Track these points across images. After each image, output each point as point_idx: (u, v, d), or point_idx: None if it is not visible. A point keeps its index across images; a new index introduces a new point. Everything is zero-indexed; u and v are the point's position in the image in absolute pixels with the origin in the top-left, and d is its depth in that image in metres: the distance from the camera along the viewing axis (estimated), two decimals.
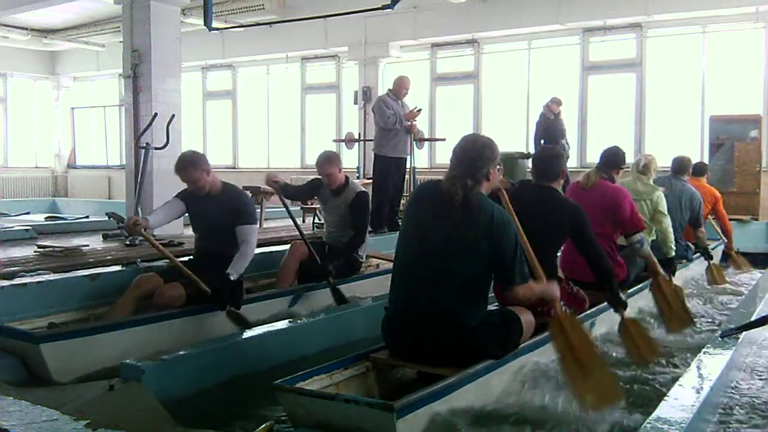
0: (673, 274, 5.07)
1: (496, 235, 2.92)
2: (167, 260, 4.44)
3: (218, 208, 4.33)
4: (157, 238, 6.18)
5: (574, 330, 3.27)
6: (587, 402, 2.96)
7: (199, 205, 4.42)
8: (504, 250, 2.95)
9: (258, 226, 4.32)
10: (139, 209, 5.83)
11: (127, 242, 6.18)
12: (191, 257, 4.59)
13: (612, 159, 4.91)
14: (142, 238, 4.18)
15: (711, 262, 6.06)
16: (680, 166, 6.34)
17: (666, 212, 5.30)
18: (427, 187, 3.25)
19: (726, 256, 7.29)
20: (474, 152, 3.04)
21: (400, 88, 7.72)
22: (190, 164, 4.35)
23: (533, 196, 3.84)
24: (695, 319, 4.68)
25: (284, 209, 5.45)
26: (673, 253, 5.28)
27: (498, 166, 3.14)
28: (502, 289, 3.16)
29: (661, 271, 4.73)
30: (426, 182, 3.37)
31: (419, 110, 7.87)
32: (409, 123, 7.68)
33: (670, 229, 5.28)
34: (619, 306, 3.82)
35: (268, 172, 5.14)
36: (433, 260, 2.94)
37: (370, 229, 7.63)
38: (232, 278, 4.14)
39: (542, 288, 3.23)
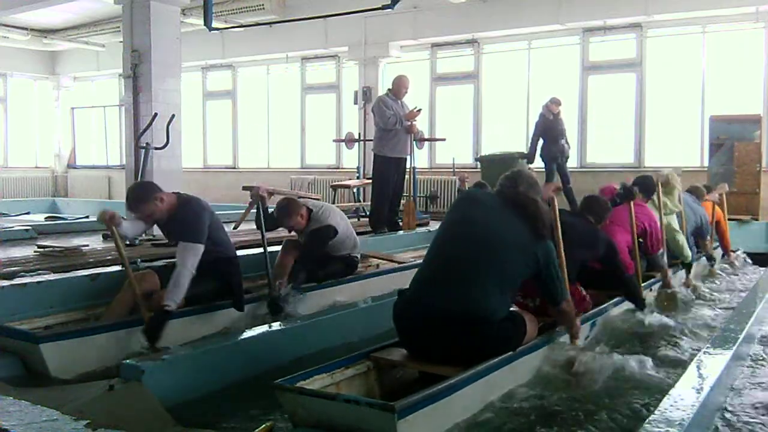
0: (689, 272, 5.89)
1: (544, 248, 3.19)
2: (165, 259, 4.42)
3: (173, 224, 4.24)
4: (155, 240, 6.21)
5: None
6: None
7: (161, 224, 4.35)
8: (550, 266, 3.21)
9: (201, 245, 4.07)
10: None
11: (127, 242, 6.17)
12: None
13: (648, 186, 5.52)
14: (110, 232, 4.02)
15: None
16: (694, 191, 6.92)
17: (678, 229, 5.87)
18: (480, 191, 3.61)
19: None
20: (529, 181, 3.43)
21: (399, 87, 7.71)
22: (140, 200, 4.17)
23: (574, 223, 4.19)
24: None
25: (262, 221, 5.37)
26: (690, 261, 5.93)
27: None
28: (549, 304, 3.42)
29: (671, 280, 5.36)
30: (475, 190, 3.69)
31: (419, 110, 7.86)
32: (409, 123, 7.68)
33: (684, 244, 5.87)
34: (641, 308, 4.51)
35: (260, 185, 5.03)
36: (478, 248, 3.05)
37: (369, 228, 7.68)
38: (168, 309, 3.84)
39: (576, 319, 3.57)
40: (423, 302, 3.03)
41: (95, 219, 7.16)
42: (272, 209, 5.17)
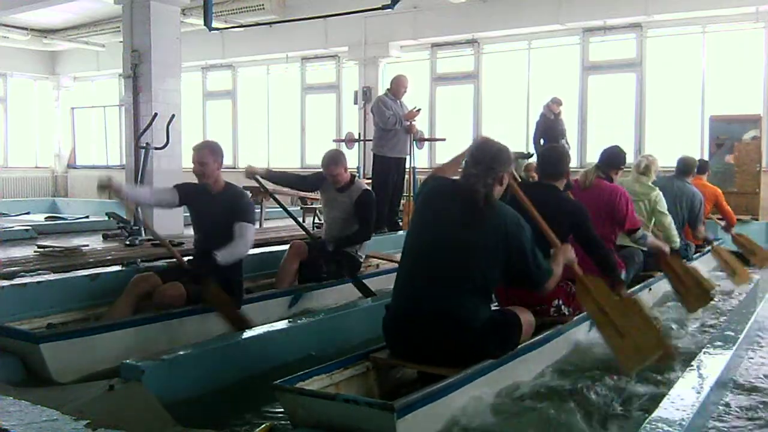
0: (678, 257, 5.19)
1: (511, 242, 2.95)
2: (166, 259, 4.44)
3: (220, 206, 4.30)
4: (154, 241, 6.19)
5: (599, 290, 3.31)
6: (627, 365, 3.06)
7: (200, 203, 4.40)
8: (523, 258, 2.98)
9: (257, 227, 4.28)
10: (138, 209, 5.83)
11: (127, 242, 6.18)
12: (191, 258, 4.57)
13: (611, 159, 4.93)
14: (117, 199, 4.14)
15: (714, 245, 6.08)
16: (684, 167, 6.39)
17: (665, 211, 5.37)
18: (439, 184, 3.20)
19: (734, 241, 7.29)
20: (492, 153, 3.04)
21: (398, 87, 7.71)
22: (208, 147, 4.38)
23: (536, 194, 3.81)
24: (712, 294, 4.68)
25: (282, 209, 5.49)
26: (677, 245, 5.35)
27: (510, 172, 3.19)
28: (531, 290, 3.22)
29: (667, 250, 4.81)
30: (436, 178, 3.29)
31: (418, 110, 7.86)
32: (409, 123, 7.67)
33: (673, 226, 5.37)
34: (618, 284, 3.82)
35: (246, 167, 5.15)
36: (443, 257, 2.94)
37: None
38: (217, 260, 4.07)
39: (560, 263, 3.27)
40: (405, 311, 3.00)
41: (95, 219, 7.13)
42: (271, 207, 5.21)
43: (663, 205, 5.37)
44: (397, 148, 7.65)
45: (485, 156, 3.02)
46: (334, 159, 5.17)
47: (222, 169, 4.39)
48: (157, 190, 4.46)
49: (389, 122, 7.47)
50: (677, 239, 5.42)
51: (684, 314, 4.80)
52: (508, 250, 2.95)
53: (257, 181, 5.20)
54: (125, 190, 4.28)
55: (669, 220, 5.38)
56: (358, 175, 11.11)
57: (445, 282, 2.92)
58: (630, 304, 3.46)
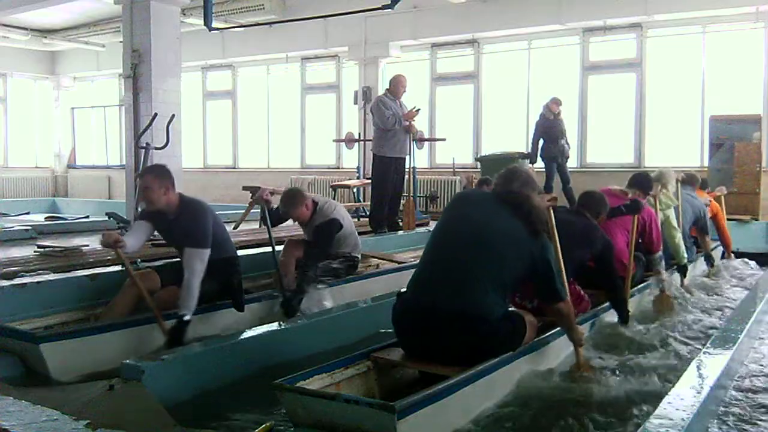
0: (685, 276, 5.73)
1: (540, 249, 3.14)
2: (166, 259, 4.41)
3: (175, 227, 4.20)
4: (155, 240, 6.18)
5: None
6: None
7: (161, 225, 4.30)
8: (547, 262, 3.16)
9: (207, 250, 4.09)
10: (139, 209, 5.82)
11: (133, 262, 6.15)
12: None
13: (646, 183, 5.38)
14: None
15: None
16: (689, 178, 6.71)
17: (677, 227, 5.72)
18: (475, 191, 3.59)
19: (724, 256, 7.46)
20: (523, 178, 3.35)
21: (397, 87, 7.70)
22: (152, 172, 4.22)
23: (573, 220, 4.15)
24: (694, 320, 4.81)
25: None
26: (685, 262, 5.74)
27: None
28: (546, 302, 3.36)
29: (667, 288, 5.21)
30: (472, 190, 3.58)
31: (418, 110, 7.86)
32: (408, 123, 7.67)
33: (681, 243, 5.71)
34: (623, 321, 4.29)
35: (263, 188, 5.03)
36: (473, 248, 3.04)
37: (369, 228, 7.68)
38: (185, 318, 3.88)
39: (575, 324, 3.49)
40: (420, 303, 3.03)
41: (95, 219, 7.10)
42: (276, 206, 5.17)
43: (674, 221, 5.73)
44: (396, 148, 7.65)
45: (518, 177, 3.33)
46: (290, 203, 5.03)
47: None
48: (139, 233, 4.27)
49: (389, 122, 7.47)
50: (685, 255, 5.74)
51: (684, 314, 4.84)
52: (534, 256, 3.11)
53: (265, 201, 5.04)
54: (128, 247, 4.09)
55: (679, 236, 5.70)
56: (358, 175, 11.11)
57: (473, 279, 2.98)
58: None
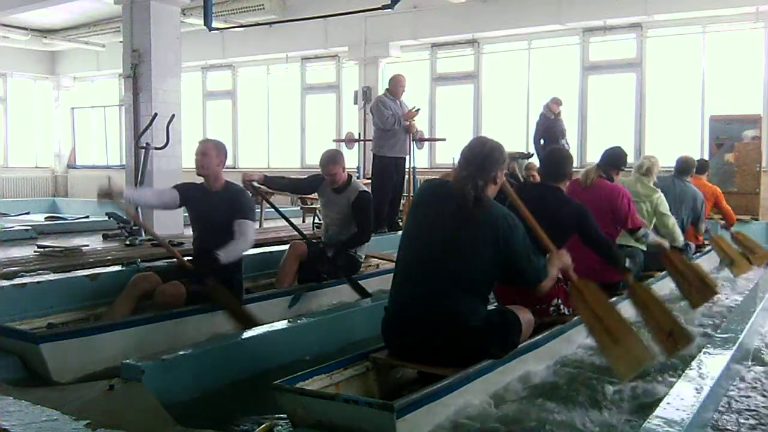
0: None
1: (503, 242, 2.93)
2: (166, 259, 4.43)
3: (219, 205, 4.30)
4: (154, 241, 6.20)
5: (593, 295, 3.28)
6: (621, 371, 3.03)
7: (200, 203, 4.39)
8: (516, 257, 2.98)
9: (257, 225, 4.28)
10: (139, 209, 5.83)
11: (127, 242, 6.18)
12: (190, 257, 4.57)
13: (613, 159, 4.98)
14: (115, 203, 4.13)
15: (712, 234, 6.07)
16: (683, 166, 6.40)
17: (668, 212, 5.40)
18: (433, 186, 3.21)
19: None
20: (484, 154, 3.03)
21: (396, 86, 7.70)
22: (212, 142, 4.42)
23: (538, 195, 3.85)
24: (717, 289, 4.72)
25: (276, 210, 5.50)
26: (680, 245, 5.39)
27: (505, 170, 3.17)
28: (527, 288, 3.19)
29: (667, 245, 4.84)
30: (431, 181, 3.32)
31: (417, 110, 7.85)
32: (408, 123, 7.67)
33: (677, 227, 5.41)
34: (626, 273, 4.01)
35: (243, 172, 5.13)
36: (438, 259, 2.94)
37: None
38: (220, 260, 4.09)
39: (556, 266, 3.25)
40: (403, 316, 3.00)
41: (95, 219, 7.10)
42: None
43: (665, 207, 5.40)
44: (396, 148, 7.65)
45: (477, 156, 3.02)
46: (332, 158, 5.17)
47: (223, 170, 4.39)
48: (160, 191, 4.45)
49: (388, 122, 7.47)
50: (681, 239, 5.46)
51: (685, 314, 4.82)
52: (501, 249, 2.94)
53: (253, 187, 5.15)
54: (128, 193, 4.26)
55: (672, 221, 5.41)
56: (358, 175, 11.11)
57: (441, 283, 2.92)
58: (640, 290, 3.56)
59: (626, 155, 5.10)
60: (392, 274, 3.16)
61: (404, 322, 3.00)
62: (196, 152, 4.35)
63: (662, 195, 5.43)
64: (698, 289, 4.58)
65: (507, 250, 2.95)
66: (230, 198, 4.34)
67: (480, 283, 2.99)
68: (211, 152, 4.30)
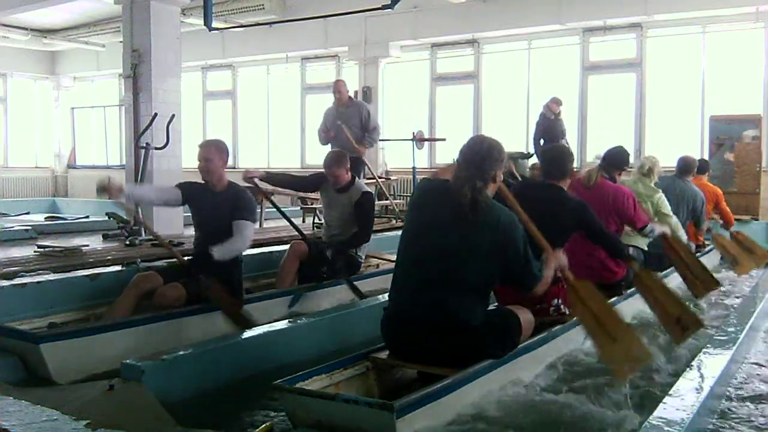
0: None
1: (503, 242, 2.92)
2: (165, 259, 4.44)
3: (222, 205, 4.31)
4: (154, 241, 6.20)
5: (590, 295, 3.25)
6: (618, 370, 3.01)
7: (202, 202, 4.41)
8: (515, 258, 2.96)
9: (257, 226, 4.28)
10: (139, 210, 5.83)
11: (127, 242, 6.18)
12: (191, 257, 4.57)
13: (616, 159, 5.00)
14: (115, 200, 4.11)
15: (714, 233, 6.09)
16: (685, 166, 6.44)
17: (670, 212, 5.45)
18: (432, 186, 3.19)
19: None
20: (482, 153, 3.00)
21: (334, 93, 7.70)
22: (214, 144, 4.42)
23: (539, 194, 3.82)
24: (720, 280, 4.77)
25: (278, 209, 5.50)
26: (685, 241, 5.43)
27: (504, 169, 3.14)
28: (524, 290, 3.17)
29: (669, 232, 4.80)
30: (429, 180, 3.29)
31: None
32: (333, 135, 7.55)
33: (679, 225, 5.47)
34: (631, 261, 4.06)
35: (244, 171, 5.14)
36: (437, 261, 2.93)
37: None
38: (214, 256, 4.09)
39: (552, 267, 3.24)
40: (403, 317, 3.00)
41: (95, 219, 7.09)
42: (272, 207, 5.22)
43: (666, 207, 5.44)
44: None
45: (475, 156, 2.99)
46: (336, 159, 5.17)
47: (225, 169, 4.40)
48: (161, 189, 4.46)
49: (320, 138, 7.62)
50: (684, 237, 5.51)
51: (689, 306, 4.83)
52: (502, 250, 2.93)
53: (255, 185, 5.18)
54: (128, 190, 4.25)
55: (675, 220, 5.45)
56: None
57: (440, 284, 2.91)
58: (646, 277, 3.62)
59: (628, 155, 5.13)
60: (392, 275, 3.16)
61: (404, 322, 2.99)
62: (199, 157, 4.34)
63: (663, 195, 5.46)
64: (702, 280, 4.50)
65: (508, 250, 2.94)
66: (232, 198, 4.35)
67: (480, 283, 2.97)
68: (213, 156, 4.32)
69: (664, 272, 5.07)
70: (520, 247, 2.97)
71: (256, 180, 5.12)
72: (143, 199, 4.60)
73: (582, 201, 3.92)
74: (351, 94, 12.53)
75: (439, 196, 3.05)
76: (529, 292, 3.15)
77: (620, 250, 4.06)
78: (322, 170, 5.25)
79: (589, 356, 3.73)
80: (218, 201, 4.33)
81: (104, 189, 4.07)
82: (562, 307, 3.74)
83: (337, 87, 7.65)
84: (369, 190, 5.37)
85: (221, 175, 4.37)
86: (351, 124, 7.54)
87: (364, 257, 5.55)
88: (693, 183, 6.45)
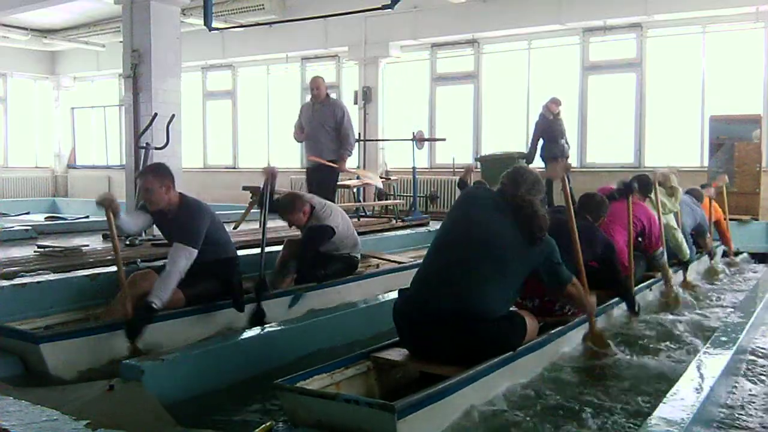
0: (686, 270, 5.97)
1: (547, 260, 3.23)
2: (165, 259, 4.41)
3: (174, 224, 4.24)
4: (155, 240, 6.20)
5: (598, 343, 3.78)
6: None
7: (161, 224, 4.38)
8: (549, 262, 3.25)
9: (195, 250, 4.04)
10: (138, 204, 5.81)
11: (127, 242, 6.17)
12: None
13: (646, 185, 5.57)
14: (106, 213, 3.95)
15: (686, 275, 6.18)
16: (694, 192, 6.99)
17: (677, 227, 5.93)
18: (481, 190, 3.48)
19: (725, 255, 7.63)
20: (531, 181, 3.37)
21: (311, 90, 7.61)
22: (151, 172, 4.25)
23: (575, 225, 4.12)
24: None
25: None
26: (688, 258, 5.97)
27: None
28: (555, 290, 3.44)
29: (672, 279, 5.40)
30: (483, 186, 3.61)
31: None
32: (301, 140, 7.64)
33: (683, 242, 5.91)
34: (633, 312, 4.50)
35: (264, 168, 4.99)
36: (480, 252, 3.07)
37: (368, 229, 7.66)
38: (154, 306, 3.82)
39: (587, 297, 3.60)
40: (423, 300, 3.05)
41: (95, 219, 7.05)
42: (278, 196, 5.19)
43: (674, 223, 5.89)
44: (311, 152, 7.53)
45: (525, 180, 3.35)
46: (290, 209, 5.10)
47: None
48: (135, 217, 4.31)
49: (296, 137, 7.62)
50: (687, 252, 5.93)
51: (685, 313, 4.85)
52: (533, 261, 3.18)
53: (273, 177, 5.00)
54: (121, 220, 4.10)
55: (680, 235, 5.87)
56: (358, 175, 11.10)
57: (472, 273, 3.02)
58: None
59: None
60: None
61: (425, 311, 3.04)
62: (139, 188, 4.25)
63: (673, 215, 5.96)
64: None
65: (541, 262, 3.24)
66: (181, 220, 4.19)
67: (513, 282, 3.15)
68: (153, 186, 4.13)
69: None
70: (557, 251, 3.27)
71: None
72: (127, 229, 4.45)
73: (611, 242, 4.40)
74: (351, 94, 12.65)
75: (490, 198, 3.32)
76: (561, 288, 3.36)
77: (624, 288, 4.46)
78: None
79: (589, 358, 3.73)
80: (171, 224, 4.25)
81: (105, 206, 3.95)
82: (567, 306, 3.80)
83: (315, 83, 7.52)
84: (323, 225, 5.12)
85: (168, 199, 4.20)
86: (325, 124, 7.43)
87: (359, 257, 5.55)
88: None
